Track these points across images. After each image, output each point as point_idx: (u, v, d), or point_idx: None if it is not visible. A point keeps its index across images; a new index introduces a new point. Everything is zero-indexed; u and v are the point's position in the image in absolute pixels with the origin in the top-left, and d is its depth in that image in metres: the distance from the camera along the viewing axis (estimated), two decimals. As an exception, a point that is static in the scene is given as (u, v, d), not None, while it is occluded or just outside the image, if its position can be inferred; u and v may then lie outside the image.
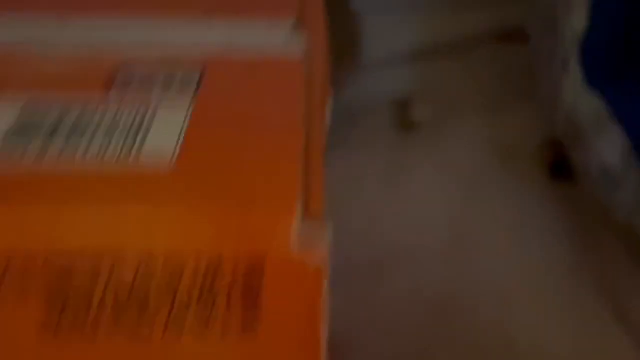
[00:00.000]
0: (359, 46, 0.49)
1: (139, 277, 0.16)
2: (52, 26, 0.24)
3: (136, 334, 0.16)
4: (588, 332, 0.40)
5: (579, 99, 0.41)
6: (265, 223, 0.17)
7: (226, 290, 0.16)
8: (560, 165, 0.48)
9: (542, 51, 0.47)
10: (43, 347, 0.16)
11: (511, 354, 0.38)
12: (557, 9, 0.45)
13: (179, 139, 0.20)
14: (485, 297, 0.41)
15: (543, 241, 0.45)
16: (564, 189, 0.48)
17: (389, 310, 0.40)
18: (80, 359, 0.16)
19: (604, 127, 0.40)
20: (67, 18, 0.25)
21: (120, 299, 0.16)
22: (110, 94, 0.22)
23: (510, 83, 0.56)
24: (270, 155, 0.20)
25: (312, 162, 0.20)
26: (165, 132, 0.20)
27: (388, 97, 0.56)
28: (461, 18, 0.60)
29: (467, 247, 0.44)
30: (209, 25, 0.25)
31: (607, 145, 0.40)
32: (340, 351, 0.39)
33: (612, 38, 0.41)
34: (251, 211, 0.17)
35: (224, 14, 0.25)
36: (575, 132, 0.42)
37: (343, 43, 0.48)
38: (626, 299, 0.41)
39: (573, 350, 0.38)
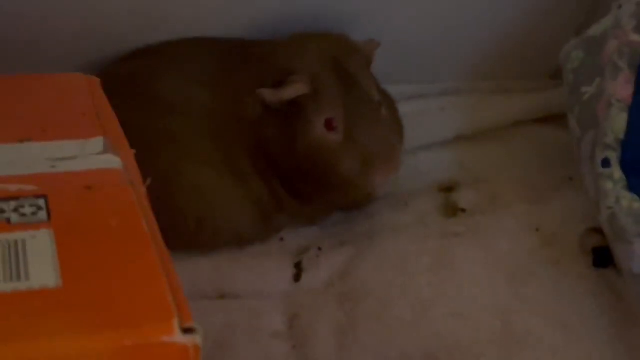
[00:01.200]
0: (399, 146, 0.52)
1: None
2: None
3: None
4: None
5: (621, 200, 0.44)
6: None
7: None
8: (602, 252, 0.50)
9: (583, 144, 0.49)
10: None
11: None
12: (597, 107, 0.48)
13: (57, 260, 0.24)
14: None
15: (588, 332, 0.46)
16: (606, 276, 0.50)
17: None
18: None
19: (645, 229, 0.42)
20: None
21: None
22: None
23: (552, 167, 0.58)
24: (140, 267, 0.24)
25: (169, 265, 0.24)
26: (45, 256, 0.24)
27: (435, 181, 0.58)
28: (502, 101, 0.62)
29: (517, 338, 0.46)
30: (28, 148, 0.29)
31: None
32: None
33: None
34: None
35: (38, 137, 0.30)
36: (617, 229, 0.44)
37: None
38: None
39: None
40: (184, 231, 0.49)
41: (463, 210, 0.55)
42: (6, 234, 0.24)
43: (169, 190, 0.47)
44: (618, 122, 0.45)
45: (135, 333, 0.21)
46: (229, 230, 0.50)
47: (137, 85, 0.51)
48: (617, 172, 0.44)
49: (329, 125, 0.48)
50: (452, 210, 0.56)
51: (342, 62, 0.49)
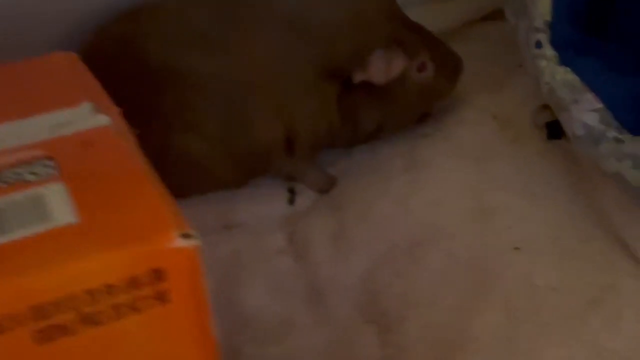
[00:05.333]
0: None
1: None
2: None
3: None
4: (599, 267, 0.48)
5: (555, 74, 0.49)
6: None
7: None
8: (553, 126, 0.56)
9: (519, 31, 0.54)
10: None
11: (533, 299, 0.46)
12: (525, -4, 0.53)
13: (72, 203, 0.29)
14: (511, 253, 0.49)
15: (550, 195, 0.52)
16: (560, 146, 0.56)
17: (432, 281, 0.49)
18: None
19: (579, 96, 0.47)
20: None
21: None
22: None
23: (504, 57, 0.63)
24: (141, 198, 0.30)
25: (166, 195, 0.30)
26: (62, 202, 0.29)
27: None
28: (448, 6, 0.67)
29: (489, 214, 0.52)
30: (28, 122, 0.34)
31: (584, 110, 0.47)
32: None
33: (575, 21, 0.49)
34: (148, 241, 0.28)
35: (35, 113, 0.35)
36: (557, 101, 0.49)
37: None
38: (633, 236, 0.49)
39: (585, 287, 0.46)
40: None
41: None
42: (27, 190, 0.30)
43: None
44: (543, 6, 0.50)
45: (145, 244, 0.27)
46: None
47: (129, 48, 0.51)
48: (548, 50, 0.49)
49: (421, 68, 0.55)
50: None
51: (394, 9, 0.54)
